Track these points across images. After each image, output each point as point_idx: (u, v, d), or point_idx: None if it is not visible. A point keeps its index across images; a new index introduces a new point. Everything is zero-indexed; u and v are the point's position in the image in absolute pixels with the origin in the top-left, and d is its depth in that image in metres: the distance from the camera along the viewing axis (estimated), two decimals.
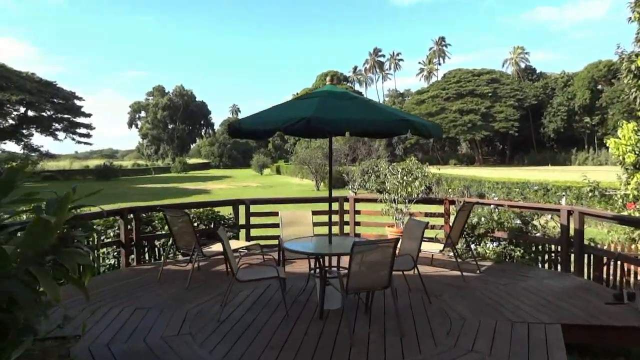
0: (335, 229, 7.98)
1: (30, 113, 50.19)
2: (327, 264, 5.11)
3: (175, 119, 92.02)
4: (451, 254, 6.24)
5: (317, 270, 4.84)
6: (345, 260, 4.60)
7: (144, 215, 7.44)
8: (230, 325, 4.36)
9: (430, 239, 6.35)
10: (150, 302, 5.04)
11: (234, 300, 5.01)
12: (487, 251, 6.76)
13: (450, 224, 6.64)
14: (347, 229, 8.11)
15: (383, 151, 36.13)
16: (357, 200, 8.13)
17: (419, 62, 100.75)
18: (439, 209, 7.81)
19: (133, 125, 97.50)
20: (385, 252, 3.97)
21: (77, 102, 53.95)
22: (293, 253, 4.71)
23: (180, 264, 6.67)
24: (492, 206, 7.06)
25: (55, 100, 51.38)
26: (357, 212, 8.06)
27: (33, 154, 53.56)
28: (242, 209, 7.87)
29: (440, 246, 5.99)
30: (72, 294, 5.00)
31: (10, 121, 50.29)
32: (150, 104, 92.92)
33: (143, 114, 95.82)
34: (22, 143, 52.03)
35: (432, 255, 6.56)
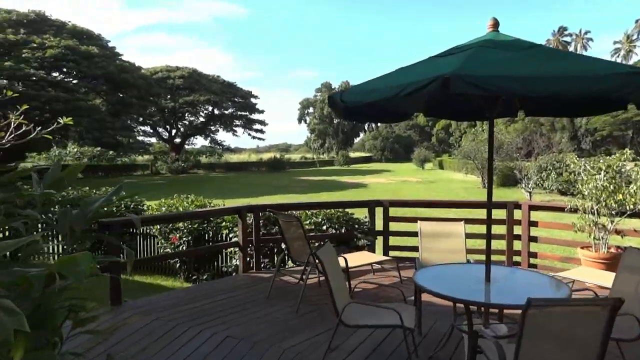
0: (499, 244, 6.02)
1: (215, 111, 56.61)
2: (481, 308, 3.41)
3: None
4: None
5: (465, 319, 3.19)
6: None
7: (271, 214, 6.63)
8: None
9: None
10: (247, 329, 4.02)
11: (344, 345, 3.66)
12: None
13: None
14: (517, 245, 6.07)
15: (567, 144, 30.66)
16: (533, 208, 6.03)
17: (615, 42, 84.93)
18: None
19: (302, 121, 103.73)
20: (593, 321, 2.16)
21: (253, 100, 59.02)
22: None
23: (296, 276, 5.61)
24: None
25: (235, 99, 56.98)
26: (533, 224, 5.96)
27: (218, 147, 60.69)
28: (379, 211, 6.48)
29: None
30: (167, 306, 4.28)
31: (201, 119, 57.54)
32: (318, 100, 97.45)
33: (311, 109, 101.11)
34: (209, 138, 59.15)
35: None
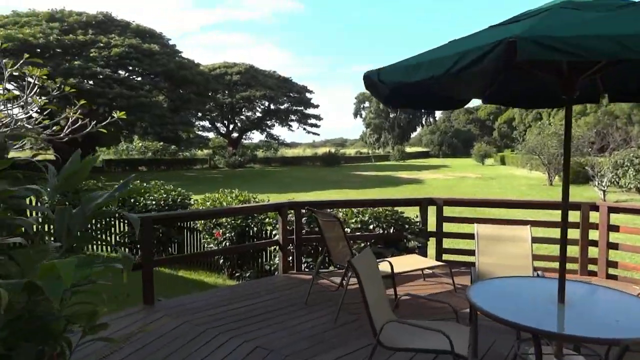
0: (570, 250, 5.27)
1: (271, 106, 57.22)
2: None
3: (397, 109, 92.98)
4: None
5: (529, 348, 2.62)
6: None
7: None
8: None
9: None
10: (279, 340, 3.66)
11: None
12: None
13: None
14: (593, 252, 5.29)
15: None
16: (613, 211, 5.22)
17: None
18: None
19: (358, 115, 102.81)
20: None
21: (308, 95, 59.06)
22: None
23: (337, 280, 5.18)
24: None
25: (291, 94, 57.27)
26: (614, 229, 5.16)
27: (274, 142, 61.49)
28: (432, 210, 5.90)
29: None
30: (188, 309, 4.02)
31: (257, 114, 58.39)
32: None
33: (367, 104, 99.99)
34: (265, 133, 59.94)
35: None
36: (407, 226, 5.98)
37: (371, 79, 2.49)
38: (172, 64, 32.51)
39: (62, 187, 2.84)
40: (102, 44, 30.53)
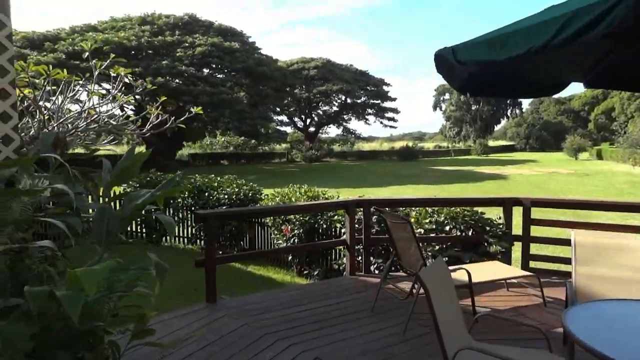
0: None
1: (348, 100, 56.97)
2: None
3: (479, 100, 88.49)
4: None
5: None
6: None
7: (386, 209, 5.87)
8: None
9: None
10: (341, 351, 3.37)
11: None
12: None
13: None
14: None
15: None
16: None
17: None
18: None
19: (437, 108, 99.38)
20: None
21: (385, 88, 58.00)
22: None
23: (408, 286, 4.76)
24: None
25: (368, 88, 56.59)
26: None
27: (351, 136, 61.28)
28: (518, 211, 5.26)
29: None
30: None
31: (334, 108, 58.46)
32: None
33: (447, 96, 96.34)
34: (342, 127, 59.88)
35: None
36: (488, 228, 5.40)
37: (444, 59, 2.05)
38: (251, 61, 33.40)
39: (115, 183, 2.76)
40: (187, 44, 32.13)
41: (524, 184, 23.22)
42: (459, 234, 5.42)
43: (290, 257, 7.33)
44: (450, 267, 3.95)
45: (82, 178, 2.82)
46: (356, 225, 5.41)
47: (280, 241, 7.19)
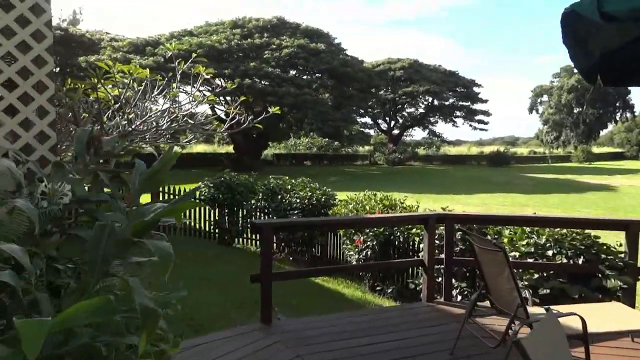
0: None
1: (435, 102, 54.82)
2: None
3: (583, 102, 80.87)
4: None
5: None
6: None
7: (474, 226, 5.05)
8: None
9: None
10: None
11: None
12: None
13: None
14: None
15: None
16: None
17: None
18: None
19: (534, 111, 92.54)
20: None
21: (475, 90, 54.96)
22: None
23: (500, 326, 3.91)
24: None
25: (457, 89, 54.00)
26: None
27: (437, 139, 59.07)
28: None
29: None
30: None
31: (420, 110, 56.59)
32: (555, 87, 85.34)
33: (545, 98, 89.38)
34: (428, 130, 57.83)
35: None
36: (604, 257, 4.38)
37: (578, 18, 1.28)
38: (336, 62, 33.22)
39: (144, 189, 2.38)
40: (274, 46, 32.75)
41: (638, 197, 20.42)
42: (565, 261, 4.46)
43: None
44: (555, 308, 3.12)
45: (112, 182, 2.47)
46: (436, 241, 4.68)
47: (352, 252, 6.63)
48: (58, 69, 35.96)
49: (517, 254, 4.70)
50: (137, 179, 2.37)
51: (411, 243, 6.22)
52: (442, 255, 4.55)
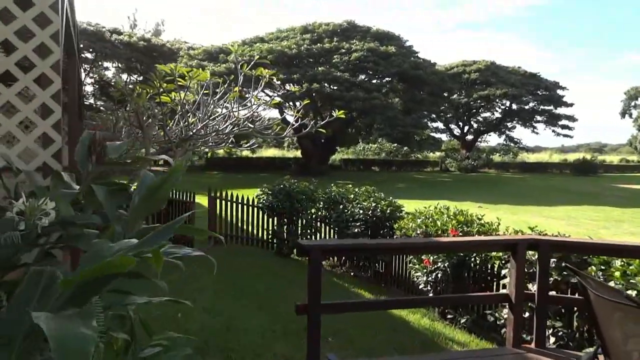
0: None
1: (513, 106, 51.59)
2: None
3: None
4: None
5: None
6: None
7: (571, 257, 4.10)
8: None
9: None
10: None
11: None
12: None
13: None
14: None
15: None
16: None
17: None
18: None
19: (626, 115, 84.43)
20: None
21: (559, 92, 51.00)
22: None
23: None
24: None
25: (539, 92, 50.42)
26: None
27: (514, 145, 55.58)
28: None
29: None
30: None
31: (496, 114, 53.52)
32: None
33: None
34: (504, 135, 54.54)
35: None
36: None
37: None
38: (407, 64, 32.16)
39: (143, 212, 1.87)
40: (343, 50, 32.35)
41: None
42: None
43: (431, 292, 5.92)
44: None
45: (115, 198, 1.97)
46: (524, 271, 3.82)
47: (419, 273, 5.85)
48: (141, 77, 38.14)
49: (632, 291, 3.71)
50: (137, 197, 1.86)
51: (489, 267, 5.34)
52: (533, 289, 3.68)
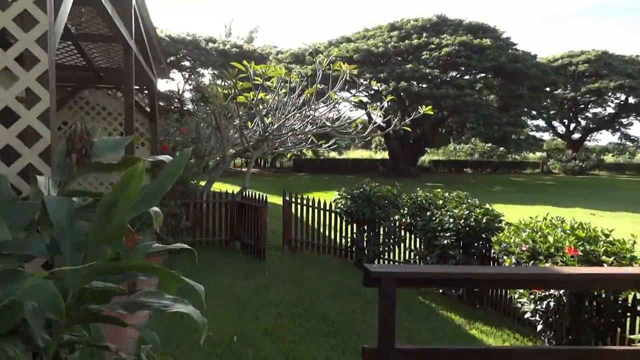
0: None
1: (630, 100, 45.74)
2: None
3: None
4: None
5: None
6: None
7: None
8: None
9: None
10: None
11: None
12: None
13: None
14: None
15: None
16: None
17: None
18: None
19: None
20: None
21: None
22: None
23: None
24: None
25: None
26: None
27: (631, 144, 49.50)
28: None
29: None
30: None
31: (609, 110, 47.86)
32: None
33: None
34: (619, 133, 48.70)
35: None
36: None
37: None
38: (504, 58, 29.72)
39: (138, 209, 1.29)
40: (433, 45, 30.77)
41: None
42: None
43: (540, 323, 4.82)
44: None
45: (78, 216, 1.41)
46: None
47: (525, 299, 4.78)
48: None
49: None
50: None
51: (620, 299, 4.17)
52: None
